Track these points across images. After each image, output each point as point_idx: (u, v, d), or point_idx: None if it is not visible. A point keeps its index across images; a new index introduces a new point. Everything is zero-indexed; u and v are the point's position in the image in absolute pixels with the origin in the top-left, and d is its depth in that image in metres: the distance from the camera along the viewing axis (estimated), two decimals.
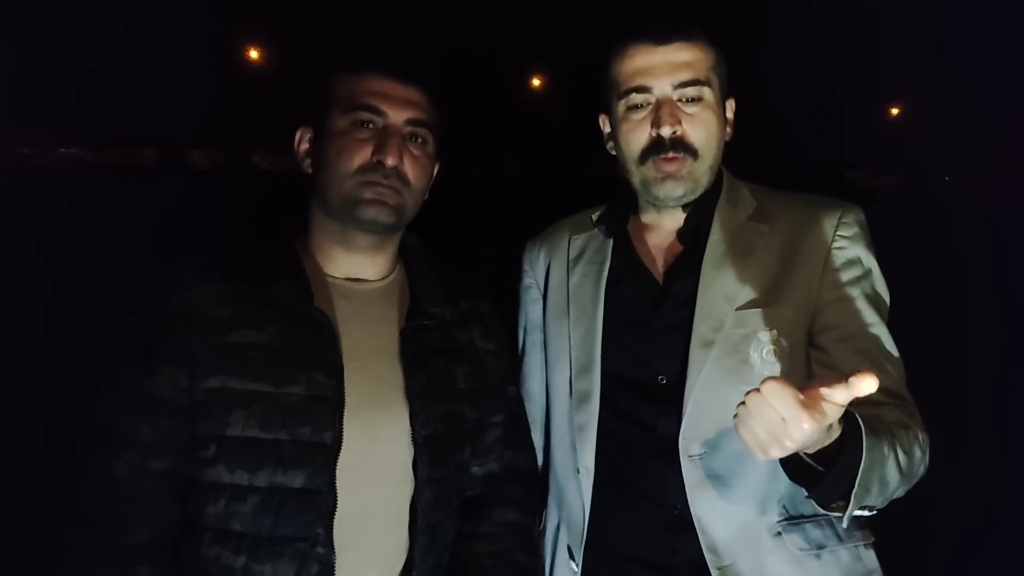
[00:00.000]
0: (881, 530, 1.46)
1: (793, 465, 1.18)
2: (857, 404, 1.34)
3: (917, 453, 1.28)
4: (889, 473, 1.20)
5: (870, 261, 1.44)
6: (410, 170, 1.39)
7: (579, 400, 1.50)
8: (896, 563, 1.50)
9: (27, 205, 11.59)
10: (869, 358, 1.36)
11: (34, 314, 5.95)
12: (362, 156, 1.37)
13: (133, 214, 11.01)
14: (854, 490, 1.13)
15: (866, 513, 1.25)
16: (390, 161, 1.36)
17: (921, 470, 1.32)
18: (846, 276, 1.41)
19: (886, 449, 1.19)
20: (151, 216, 9.94)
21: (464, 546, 1.48)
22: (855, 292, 1.40)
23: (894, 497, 1.32)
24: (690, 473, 1.38)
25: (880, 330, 1.40)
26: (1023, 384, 5.04)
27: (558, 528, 1.61)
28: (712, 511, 1.38)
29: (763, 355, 1.38)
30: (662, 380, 1.43)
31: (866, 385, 0.99)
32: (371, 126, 1.38)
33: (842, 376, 1.01)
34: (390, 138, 1.37)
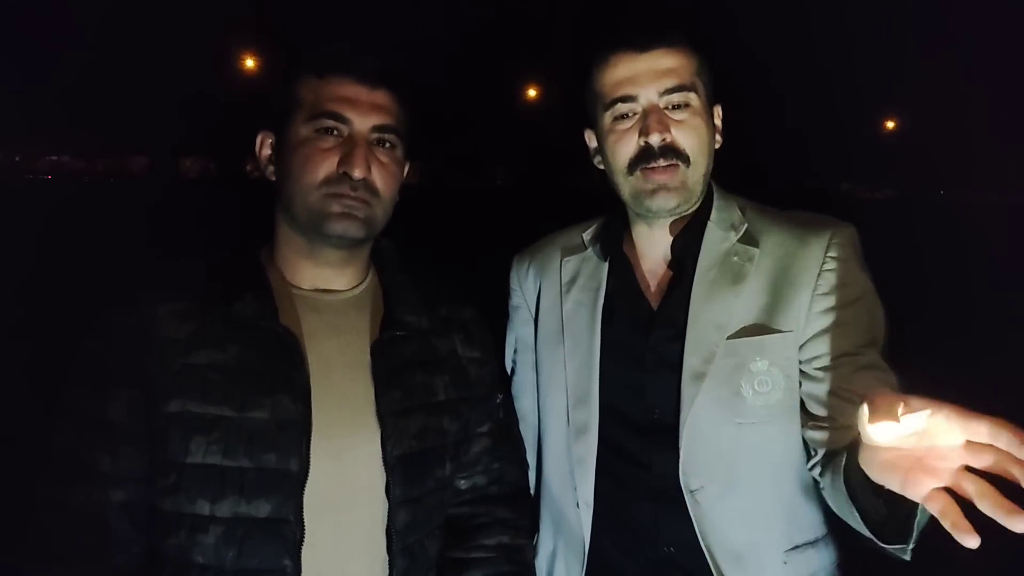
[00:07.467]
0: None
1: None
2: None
3: None
4: None
5: (863, 282, 1.39)
6: (379, 179, 1.32)
7: (577, 431, 1.47)
8: None
9: (18, 212, 11.59)
10: (851, 390, 1.32)
11: (24, 322, 5.88)
12: (327, 167, 1.29)
13: (124, 222, 11.05)
14: (916, 518, 1.03)
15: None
16: (357, 173, 1.29)
17: None
18: (835, 301, 1.36)
19: None
20: (142, 224, 9.94)
21: (455, 573, 1.42)
22: (844, 318, 1.35)
23: None
24: (695, 507, 1.37)
25: (869, 355, 1.34)
26: (1019, 395, 4.95)
27: (553, 554, 1.56)
28: (720, 541, 1.37)
29: (755, 386, 1.36)
30: (656, 414, 1.41)
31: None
32: (336, 133, 1.31)
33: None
34: (356, 147, 1.30)
